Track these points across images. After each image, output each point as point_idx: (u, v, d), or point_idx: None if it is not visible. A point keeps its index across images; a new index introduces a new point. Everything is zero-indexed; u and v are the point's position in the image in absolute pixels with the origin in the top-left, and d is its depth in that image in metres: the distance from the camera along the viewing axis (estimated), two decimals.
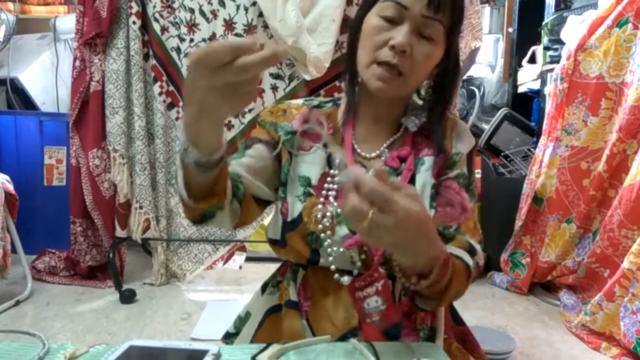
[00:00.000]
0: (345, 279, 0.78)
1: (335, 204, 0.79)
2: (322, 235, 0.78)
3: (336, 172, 0.81)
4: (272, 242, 0.85)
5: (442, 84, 0.85)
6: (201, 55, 0.52)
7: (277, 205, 0.85)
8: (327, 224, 0.78)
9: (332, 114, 0.89)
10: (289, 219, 0.81)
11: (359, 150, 0.84)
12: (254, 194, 0.83)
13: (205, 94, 0.56)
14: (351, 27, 0.84)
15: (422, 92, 0.90)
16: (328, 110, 0.90)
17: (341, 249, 0.78)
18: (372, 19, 0.78)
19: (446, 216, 0.80)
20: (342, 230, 0.78)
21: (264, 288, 0.93)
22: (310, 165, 0.84)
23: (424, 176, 0.81)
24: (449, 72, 0.84)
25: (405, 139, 0.85)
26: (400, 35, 0.74)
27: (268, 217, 0.87)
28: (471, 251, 0.77)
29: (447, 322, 0.88)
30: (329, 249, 0.78)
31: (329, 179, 0.82)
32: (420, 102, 0.90)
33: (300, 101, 0.91)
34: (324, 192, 0.81)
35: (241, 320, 0.92)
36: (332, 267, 0.79)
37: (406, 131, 0.85)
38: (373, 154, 0.84)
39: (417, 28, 0.75)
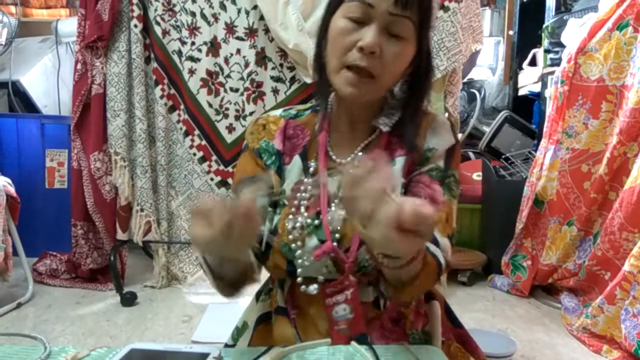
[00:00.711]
0: (312, 289, 0.77)
1: (305, 214, 0.78)
2: (293, 245, 0.77)
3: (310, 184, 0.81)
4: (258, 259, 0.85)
5: (415, 81, 0.82)
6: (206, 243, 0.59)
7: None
8: (297, 234, 0.77)
9: (309, 122, 0.87)
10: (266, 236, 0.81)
11: (333, 157, 0.82)
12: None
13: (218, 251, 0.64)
14: (318, 31, 0.81)
15: (397, 90, 0.87)
16: (305, 118, 0.88)
17: (311, 259, 0.77)
18: (338, 21, 0.75)
19: None
20: (312, 241, 0.77)
21: (257, 296, 0.93)
22: (289, 177, 0.83)
23: (395, 178, 0.78)
24: (421, 69, 0.81)
25: (380, 141, 0.82)
26: (368, 35, 0.71)
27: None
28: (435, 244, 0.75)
29: (445, 324, 0.88)
30: (300, 260, 0.78)
31: (302, 187, 0.81)
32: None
33: (278, 112, 0.89)
34: (295, 202, 0.80)
35: (238, 332, 0.92)
36: (299, 279, 0.78)
37: (381, 132, 0.83)
38: (348, 159, 0.82)
39: (386, 27, 0.72)
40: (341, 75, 0.75)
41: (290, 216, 0.79)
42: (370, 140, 0.83)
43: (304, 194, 0.80)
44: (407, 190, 0.79)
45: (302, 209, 0.79)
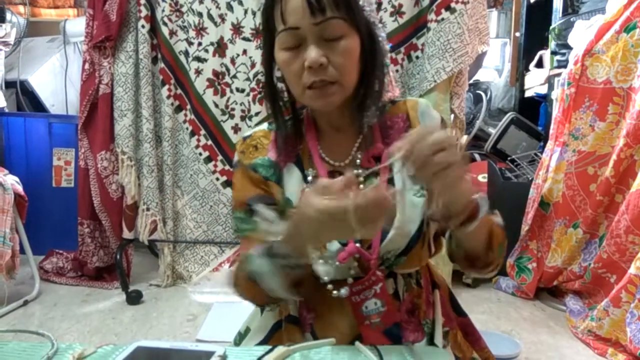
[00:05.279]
0: (343, 292, 0.77)
1: None
2: (314, 255, 0.77)
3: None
4: None
5: (369, 64, 0.81)
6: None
7: None
8: None
9: (296, 131, 0.87)
10: None
11: (331, 162, 0.83)
12: None
13: None
14: (264, 63, 0.85)
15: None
16: (291, 129, 0.88)
17: (336, 263, 0.77)
18: (279, 55, 0.78)
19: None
20: (333, 245, 0.77)
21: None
22: (288, 185, 0.83)
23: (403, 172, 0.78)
24: (371, 50, 0.80)
25: (374, 136, 0.83)
26: (309, 54, 0.73)
27: None
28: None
29: (449, 313, 0.88)
30: (325, 267, 0.78)
31: None
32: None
33: (264, 127, 0.90)
34: None
35: (241, 337, 0.92)
36: (329, 286, 0.78)
37: (371, 129, 0.83)
38: (346, 161, 0.83)
39: (320, 37, 0.74)
40: (306, 96, 0.77)
41: None
42: (362, 138, 0.83)
43: None
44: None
45: None
